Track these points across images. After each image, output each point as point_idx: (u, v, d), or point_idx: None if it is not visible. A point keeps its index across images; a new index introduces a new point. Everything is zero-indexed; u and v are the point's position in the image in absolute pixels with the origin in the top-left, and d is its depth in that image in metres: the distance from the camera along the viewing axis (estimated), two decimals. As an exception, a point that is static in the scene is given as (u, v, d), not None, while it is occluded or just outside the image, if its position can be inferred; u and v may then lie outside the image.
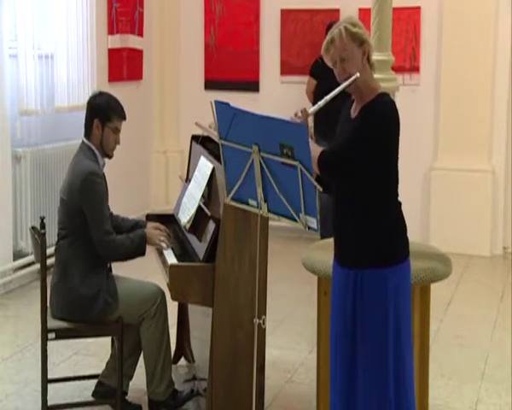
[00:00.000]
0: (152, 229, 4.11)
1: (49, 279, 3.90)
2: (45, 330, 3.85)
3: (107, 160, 4.08)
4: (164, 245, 4.04)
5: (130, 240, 3.94)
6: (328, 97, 3.14)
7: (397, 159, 3.12)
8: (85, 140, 4.02)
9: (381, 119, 3.02)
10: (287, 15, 8.11)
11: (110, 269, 4.10)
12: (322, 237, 5.69)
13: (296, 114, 3.11)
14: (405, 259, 3.16)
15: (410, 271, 3.19)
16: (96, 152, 4.00)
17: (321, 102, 3.15)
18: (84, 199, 3.86)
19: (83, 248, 3.91)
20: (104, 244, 3.86)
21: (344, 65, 3.05)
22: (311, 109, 3.14)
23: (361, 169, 3.01)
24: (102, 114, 3.97)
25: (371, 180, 3.05)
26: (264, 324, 3.31)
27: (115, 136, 4.02)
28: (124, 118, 4.05)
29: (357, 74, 3.03)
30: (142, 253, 3.98)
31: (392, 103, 3.09)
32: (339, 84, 3.12)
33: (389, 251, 3.11)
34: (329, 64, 3.13)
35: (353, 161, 3.00)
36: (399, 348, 3.11)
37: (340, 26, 3.04)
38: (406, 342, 3.14)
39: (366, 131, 3.00)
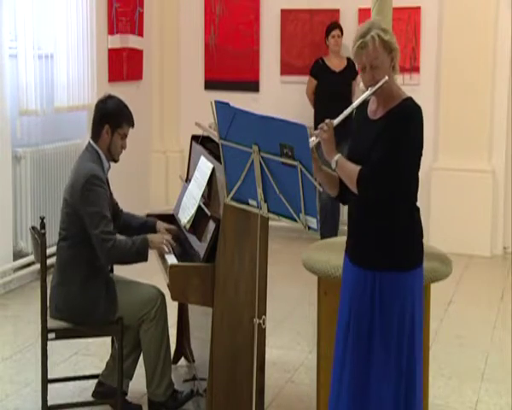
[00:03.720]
0: (155, 233, 4.11)
1: (49, 279, 3.90)
2: (45, 330, 3.85)
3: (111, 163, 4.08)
4: (166, 249, 4.01)
5: (132, 242, 3.89)
6: (354, 105, 3.13)
7: (420, 164, 3.10)
8: (92, 142, 4.00)
9: (409, 123, 3.00)
10: (287, 15, 8.11)
11: (111, 270, 4.10)
12: (322, 237, 5.68)
13: (322, 128, 3.06)
14: (421, 263, 3.15)
15: (423, 275, 3.19)
16: (102, 155, 3.99)
17: (347, 111, 3.13)
18: (83, 200, 3.84)
19: (83, 251, 3.90)
20: (102, 244, 3.80)
21: (373, 72, 3.03)
22: (335, 121, 3.09)
23: (395, 177, 2.99)
24: (114, 120, 3.96)
25: (399, 186, 3.02)
26: (264, 324, 3.31)
27: (123, 141, 4.02)
28: (133, 125, 4.05)
29: (386, 77, 3.02)
30: (144, 258, 3.92)
31: (418, 107, 3.06)
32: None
33: (409, 255, 3.10)
34: (357, 66, 3.11)
35: (393, 179, 2.99)
36: (412, 351, 3.11)
37: (373, 33, 3.01)
38: (418, 344, 3.15)
39: (396, 138, 2.98)
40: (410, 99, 3.09)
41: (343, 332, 3.20)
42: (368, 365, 3.12)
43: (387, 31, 3.06)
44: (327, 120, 3.08)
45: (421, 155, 3.09)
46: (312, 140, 3.05)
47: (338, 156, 3.07)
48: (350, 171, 3.06)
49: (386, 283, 3.08)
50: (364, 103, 3.17)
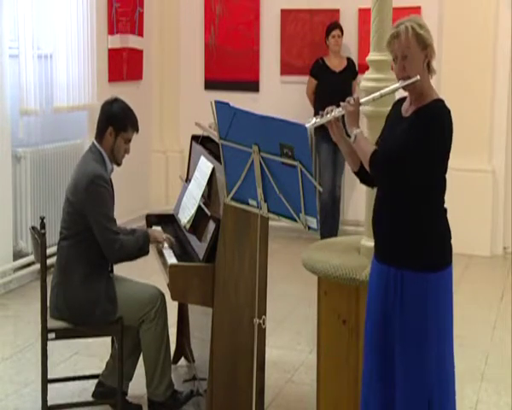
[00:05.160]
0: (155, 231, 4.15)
1: (49, 279, 3.90)
2: (45, 330, 3.85)
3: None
4: (165, 244, 4.04)
5: (135, 238, 3.95)
6: (383, 91, 3.14)
7: (447, 165, 3.08)
8: (96, 143, 4.01)
9: (434, 123, 2.98)
10: (287, 15, 8.11)
11: (112, 270, 4.10)
12: (322, 237, 5.67)
13: (349, 101, 3.09)
14: (448, 265, 3.11)
15: (451, 278, 3.14)
16: (106, 157, 3.99)
17: (376, 95, 3.15)
18: (87, 201, 3.85)
19: (83, 251, 3.91)
20: (109, 244, 3.83)
21: (404, 63, 3.02)
22: (363, 100, 3.13)
23: (411, 172, 2.98)
24: (118, 123, 3.97)
25: (420, 183, 3.01)
26: (264, 324, 3.31)
27: (126, 146, 4.03)
28: (137, 130, 4.06)
29: (418, 77, 3.01)
30: (146, 252, 3.98)
31: (447, 110, 3.04)
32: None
33: (432, 256, 3.07)
34: (391, 56, 3.11)
35: (405, 164, 2.97)
36: (441, 354, 3.08)
37: (407, 24, 3.04)
38: (448, 347, 3.12)
39: (419, 135, 2.96)
40: (440, 101, 3.07)
41: (370, 332, 3.18)
42: (391, 360, 3.10)
43: (423, 26, 3.07)
44: (355, 95, 3.14)
45: (445, 157, 3.05)
46: (339, 109, 3.10)
47: (358, 131, 3.09)
48: (365, 149, 3.07)
49: (407, 282, 3.04)
50: (402, 99, 3.18)
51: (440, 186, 3.10)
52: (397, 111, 3.18)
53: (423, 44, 3.04)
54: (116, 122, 3.97)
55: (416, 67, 3.02)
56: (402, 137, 3.01)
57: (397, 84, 3.08)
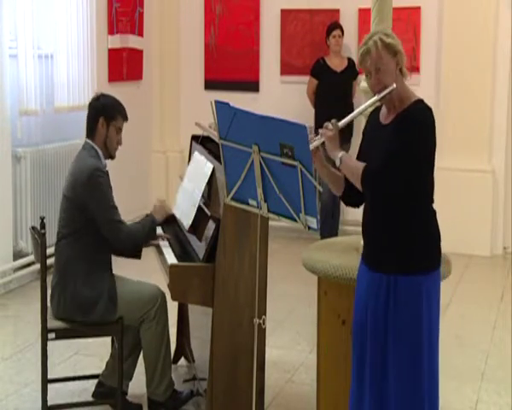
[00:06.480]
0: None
1: (49, 279, 3.90)
2: (45, 330, 3.85)
3: (109, 161, 4.09)
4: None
5: (141, 225, 4.05)
6: (360, 109, 3.15)
7: (433, 166, 3.09)
8: (89, 140, 4.03)
9: (418, 126, 3.00)
10: (287, 15, 8.11)
11: (111, 269, 4.10)
12: (322, 237, 5.66)
13: (327, 127, 3.09)
14: (439, 266, 3.13)
15: (440, 278, 3.17)
16: (99, 152, 4.01)
17: (352, 114, 3.16)
18: (89, 194, 3.87)
19: (83, 249, 3.91)
20: (115, 233, 3.88)
21: (379, 76, 3.04)
22: (341, 122, 3.11)
23: (400, 177, 2.99)
24: (108, 112, 4.01)
25: (407, 186, 3.02)
26: (264, 324, 3.31)
27: (118, 136, 4.05)
28: (126, 119, 4.09)
29: (394, 85, 3.02)
30: (154, 235, 4.12)
31: (429, 110, 3.06)
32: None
33: (424, 258, 3.08)
34: (364, 73, 3.11)
35: (399, 177, 2.98)
36: (431, 354, 3.10)
37: (375, 37, 3.05)
38: (435, 347, 3.14)
39: (403, 139, 2.97)
40: (419, 101, 3.07)
41: (359, 333, 3.19)
42: (385, 366, 3.10)
43: (390, 34, 3.09)
44: (333, 120, 3.11)
45: (431, 157, 3.07)
46: (318, 137, 3.09)
47: (342, 153, 3.08)
48: (354, 168, 3.06)
49: (400, 286, 3.05)
50: (377, 108, 3.18)
51: (427, 187, 3.11)
52: (374, 121, 3.18)
53: (393, 52, 3.06)
54: (106, 112, 4.01)
55: (390, 76, 3.04)
56: (386, 144, 3.01)
57: (374, 98, 3.09)
